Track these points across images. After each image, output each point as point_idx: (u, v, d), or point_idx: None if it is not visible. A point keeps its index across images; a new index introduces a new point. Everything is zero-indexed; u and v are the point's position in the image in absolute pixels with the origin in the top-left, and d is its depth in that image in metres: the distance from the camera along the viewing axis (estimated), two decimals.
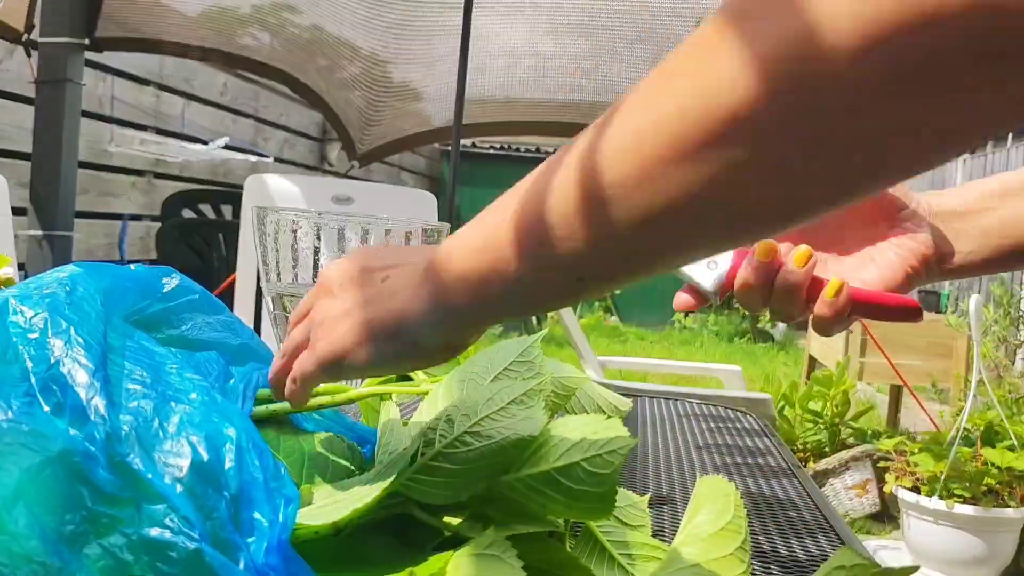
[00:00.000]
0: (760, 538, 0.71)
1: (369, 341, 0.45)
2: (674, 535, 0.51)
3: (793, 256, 0.49)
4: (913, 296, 0.53)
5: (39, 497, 0.36)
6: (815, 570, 0.52)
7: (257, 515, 0.39)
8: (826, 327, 0.50)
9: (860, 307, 0.50)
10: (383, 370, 0.47)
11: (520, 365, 0.54)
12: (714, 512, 0.49)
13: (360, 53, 3.00)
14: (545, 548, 0.47)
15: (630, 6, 2.63)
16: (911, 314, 0.51)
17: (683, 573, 0.45)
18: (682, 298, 0.53)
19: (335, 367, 0.46)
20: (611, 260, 0.36)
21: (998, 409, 2.80)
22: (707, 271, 0.51)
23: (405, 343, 0.44)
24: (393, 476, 0.45)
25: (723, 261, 0.51)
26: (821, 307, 0.49)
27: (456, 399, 0.51)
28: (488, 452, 0.44)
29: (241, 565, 0.37)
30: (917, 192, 0.56)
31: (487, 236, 0.40)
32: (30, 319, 0.41)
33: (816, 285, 0.50)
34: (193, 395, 0.42)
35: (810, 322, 0.51)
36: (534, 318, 7.60)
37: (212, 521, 0.37)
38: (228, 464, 0.40)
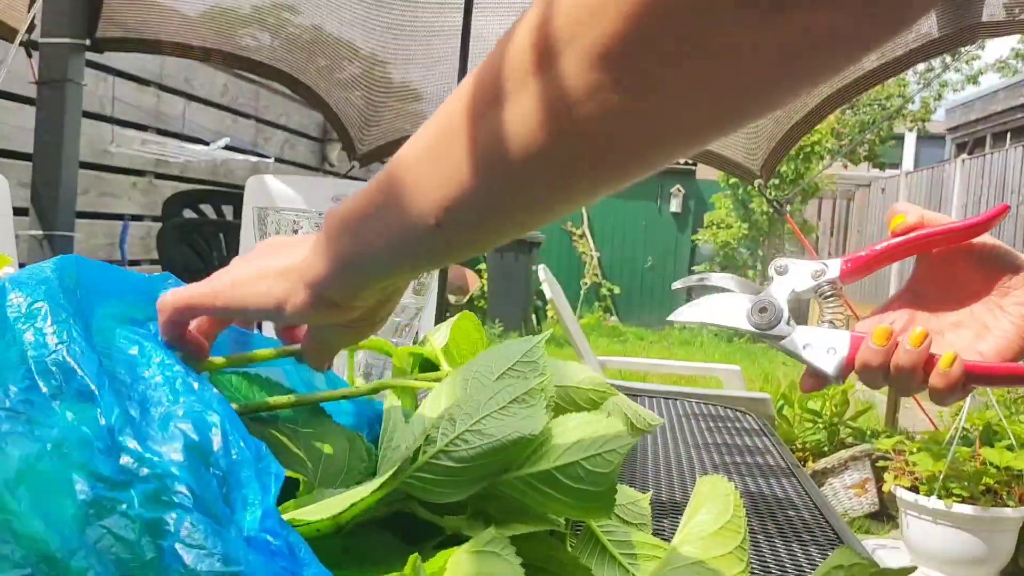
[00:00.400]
0: (759, 537, 0.72)
1: (262, 279, 0.46)
2: (674, 534, 0.51)
3: (909, 337, 0.52)
4: None
5: (39, 483, 0.36)
6: (813, 569, 0.53)
7: (247, 493, 0.40)
8: (942, 398, 0.52)
9: (974, 377, 0.52)
10: (274, 309, 0.46)
11: (524, 365, 0.54)
12: (714, 511, 0.49)
13: (360, 53, 3.01)
14: (545, 547, 0.48)
15: None
16: None
17: (682, 571, 0.46)
18: (808, 382, 0.56)
19: (228, 300, 0.47)
20: (465, 201, 0.37)
21: (996, 409, 2.81)
22: (827, 356, 0.54)
23: (291, 286, 0.45)
24: (394, 473, 0.46)
25: (841, 346, 0.54)
26: (936, 379, 0.52)
27: (459, 397, 0.51)
28: (489, 450, 0.45)
29: (233, 534, 0.37)
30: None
31: (375, 180, 0.42)
32: (29, 305, 0.41)
33: (932, 360, 0.52)
34: (173, 385, 0.43)
35: (928, 393, 0.53)
36: (534, 318, 7.60)
37: (208, 494, 0.38)
38: (216, 446, 0.40)
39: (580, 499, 0.45)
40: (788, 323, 0.56)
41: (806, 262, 0.58)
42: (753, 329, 0.56)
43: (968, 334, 0.55)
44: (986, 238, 0.55)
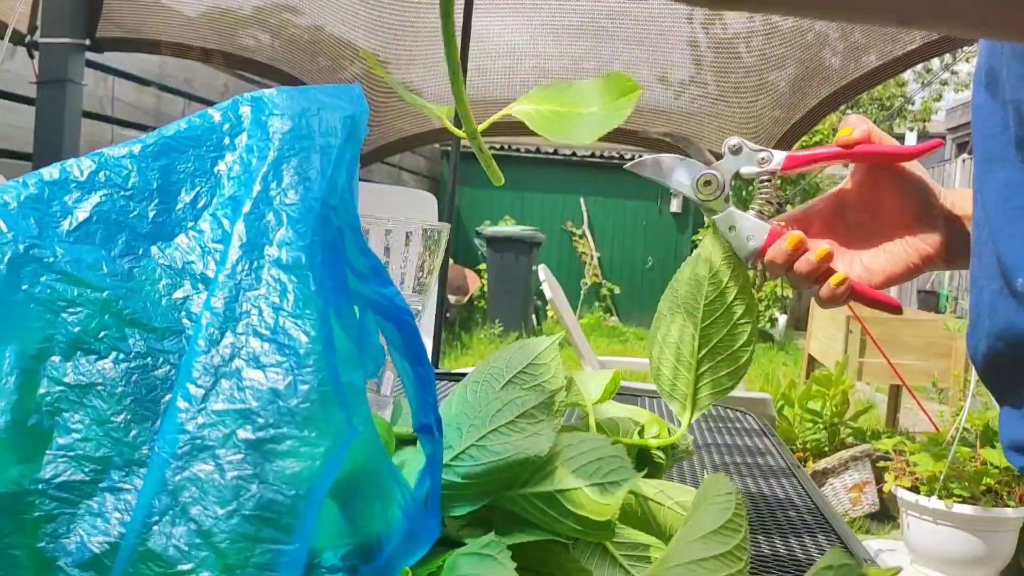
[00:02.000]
0: (759, 537, 0.72)
1: None
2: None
3: (816, 251, 0.59)
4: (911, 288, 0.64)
5: None
6: None
7: None
8: (825, 304, 0.61)
9: (854, 294, 0.60)
10: None
11: (535, 369, 0.52)
12: (714, 509, 0.49)
13: (361, 54, 3.01)
14: (545, 550, 0.48)
15: (629, 7, 2.64)
16: (893, 310, 0.62)
17: (681, 570, 0.46)
18: None
19: None
20: None
21: (997, 409, 2.80)
22: (745, 243, 0.60)
23: None
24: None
25: (759, 237, 0.60)
26: (824, 290, 0.60)
27: (468, 402, 0.51)
28: (494, 468, 0.45)
29: None
30: (951, 191, 0.62)
31: None
32: None
33: (827, 272, 0.60)
34: None
35: (814, 296, 0.61)
36: (534, 318, 7.60)
37: None
38: None
39: (581, 523, 0.45)
40: (726, 201, 0.62)
41: (758, 148, 0.62)
42: (694, 198, 0.62)
43: (869, 247, 0.63)
44: (917, 168, 0.61)
